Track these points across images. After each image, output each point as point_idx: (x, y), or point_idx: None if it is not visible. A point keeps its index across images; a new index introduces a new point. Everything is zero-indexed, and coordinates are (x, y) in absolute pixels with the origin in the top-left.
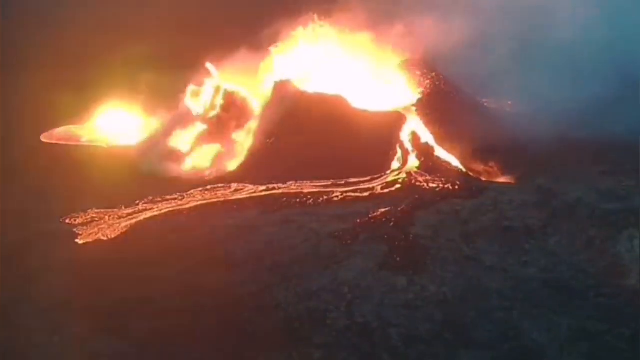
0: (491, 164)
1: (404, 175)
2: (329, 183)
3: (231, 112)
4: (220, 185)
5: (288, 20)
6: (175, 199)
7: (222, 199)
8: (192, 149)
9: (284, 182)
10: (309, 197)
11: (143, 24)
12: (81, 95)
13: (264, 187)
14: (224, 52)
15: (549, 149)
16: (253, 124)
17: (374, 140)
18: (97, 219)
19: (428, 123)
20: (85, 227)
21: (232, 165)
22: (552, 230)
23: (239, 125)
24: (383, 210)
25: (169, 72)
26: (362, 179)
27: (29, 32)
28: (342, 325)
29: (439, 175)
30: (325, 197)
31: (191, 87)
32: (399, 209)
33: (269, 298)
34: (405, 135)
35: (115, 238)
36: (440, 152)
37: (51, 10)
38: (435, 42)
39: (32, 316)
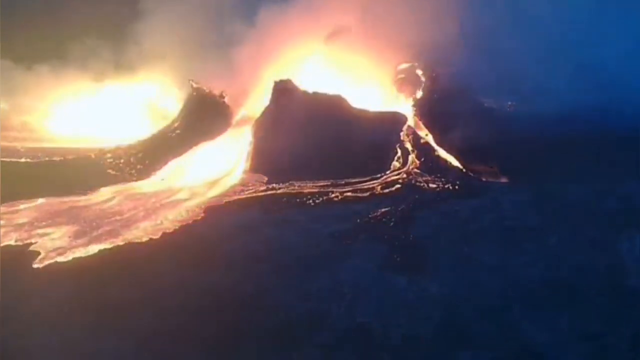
0: (491, 164)
1: (404, 175)
2: (329, 183)
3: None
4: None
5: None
6: (174, 198)
7: (222, 199)
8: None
9: (284, 182)
10: (309, 197)
11: None
12: None
13: (264, 187)
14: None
15: (549, 148)
16: (252, 124)
17: (374, 140)
18: None
19: (428, 123)
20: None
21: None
22: (552, 230)
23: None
24: (383, 210)
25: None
26: (362, 179)
27: None
28: (342, 326)
29: (439, 175)
30: (325, 197)
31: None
32: (399, 209)
33: (269, 298)
34: (405, 135)
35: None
36: (440, 152)
37: None
38: (435, 42)
39: (32, 316)
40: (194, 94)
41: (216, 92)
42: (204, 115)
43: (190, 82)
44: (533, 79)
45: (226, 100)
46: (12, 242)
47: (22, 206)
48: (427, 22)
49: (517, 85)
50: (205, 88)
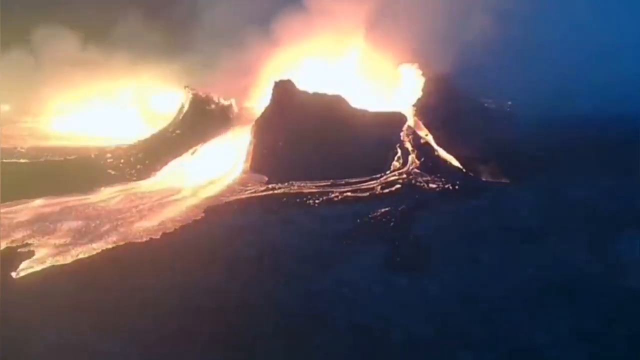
0: (491, 164)
1: (404, 175)
2: (329, 183)
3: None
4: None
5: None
6: (174, 198)
7: (222, 199)
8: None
9: (284, 182)
10: (309, 197)
11: None
12: None
13: (264, 187)
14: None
15: (549, 149)
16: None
17: (374, 140)
18: None
19: (428, 123)
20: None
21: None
22: (552, 230)
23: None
24: (383, 210)
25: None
26: (362, 179)
27: None
28: (343, 326)
29: (439, 175)
30: (325, 197)
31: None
32: (399, 209)
33: (269, 298)
34: (405, 135)
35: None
36: (440, 152)
37: None
38: (435, 42)
39: (32, 316)
40: (191, 99)
41: (215, 95)
42: (205, 116)
43: (186, 88)
44: (536, 79)
45: (233, 103)
46: (12, 243)
47: (22, 206)
48: (429, 21)
49: (521, 86)
50: (201, 93)
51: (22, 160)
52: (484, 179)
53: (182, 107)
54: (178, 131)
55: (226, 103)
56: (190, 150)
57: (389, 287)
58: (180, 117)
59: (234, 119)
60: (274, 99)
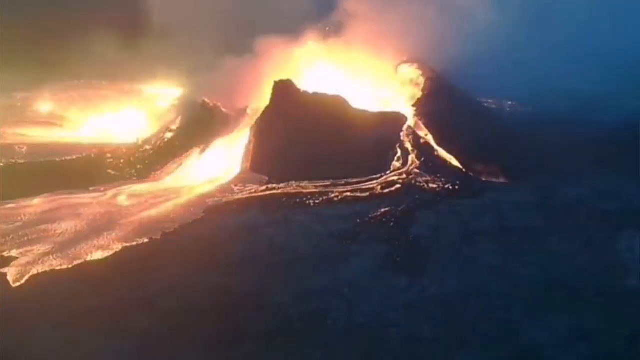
0: (491, 164)
1: (404, 175)
2: (329, 183)
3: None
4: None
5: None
6: (174, 198)
7: (222, 199)
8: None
9: (284, 182)
10: (309, 197)
11: None
12: None
13: (263, 187)
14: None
15: (549, 149)
16: (252, 124)
17: (374, 140)
18: None
19: (428, 123)
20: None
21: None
22: (552, 230)
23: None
24: (383, 210)
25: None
26: (362, 179)
27: None
28: (342, 326)
29: (439, 175)
30: (325, 197)
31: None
32: (399, 209)
33: (269, 298)
34: (405, 135)
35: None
36: (440, 152)
37: None
38: (434, 41)
39: (32, 316)
40: (200, 105)
41: (222, 103)
42: (206, 117)
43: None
44: (536, 78)
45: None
46: (12, 242)
47: (22, 205)
48: (429, 21)
49: (520, 85)
50: (209, 102)
51: (22, 160)
52: (484, 179)
53: (184, 108)
54: (178, 132)
55: (231, 112)
56: (191, 151)
57: (389, 287)
58: (182, 119)
59: (236, 121)
60: (274, 99)
